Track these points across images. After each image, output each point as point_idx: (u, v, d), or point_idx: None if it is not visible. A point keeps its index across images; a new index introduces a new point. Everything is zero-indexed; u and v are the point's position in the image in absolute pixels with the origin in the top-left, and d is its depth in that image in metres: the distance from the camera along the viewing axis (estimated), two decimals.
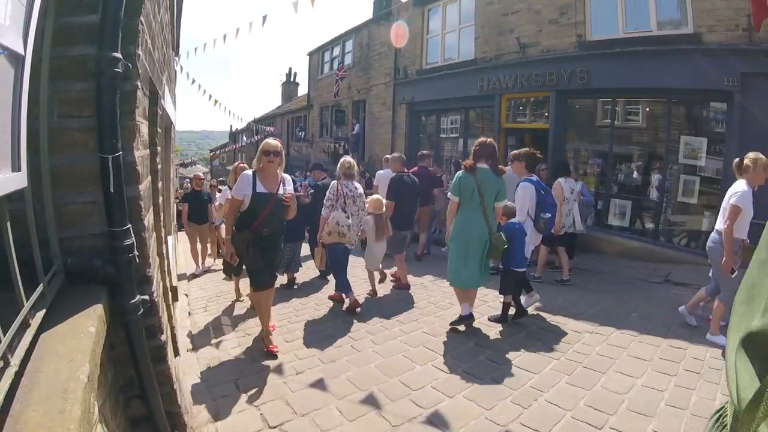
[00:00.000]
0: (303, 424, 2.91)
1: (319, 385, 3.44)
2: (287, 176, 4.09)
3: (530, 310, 5.11)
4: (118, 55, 1.63)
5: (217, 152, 41.98)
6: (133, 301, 1.75)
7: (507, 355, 3.97)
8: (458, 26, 12.85)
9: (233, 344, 4.33)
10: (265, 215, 3.81)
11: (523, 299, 5.07)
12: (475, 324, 4.72)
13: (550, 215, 5.30)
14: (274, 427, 2.87)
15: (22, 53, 1.19)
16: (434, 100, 13.60)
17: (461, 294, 4.61)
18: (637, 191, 9.14)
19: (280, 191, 3.89)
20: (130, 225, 1.74)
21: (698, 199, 7.92)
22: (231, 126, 40.29)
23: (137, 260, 1.81)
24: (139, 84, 1.91)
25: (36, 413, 1.01)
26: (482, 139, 4.61)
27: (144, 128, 2.25)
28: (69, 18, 1.60)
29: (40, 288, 1.38)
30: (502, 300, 4.88)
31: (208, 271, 8.12)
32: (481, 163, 4.40)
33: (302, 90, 29.59)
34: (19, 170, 1.21)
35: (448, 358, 3.92)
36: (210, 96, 14.71)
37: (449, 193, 4.64)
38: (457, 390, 3.36)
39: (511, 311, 4.83)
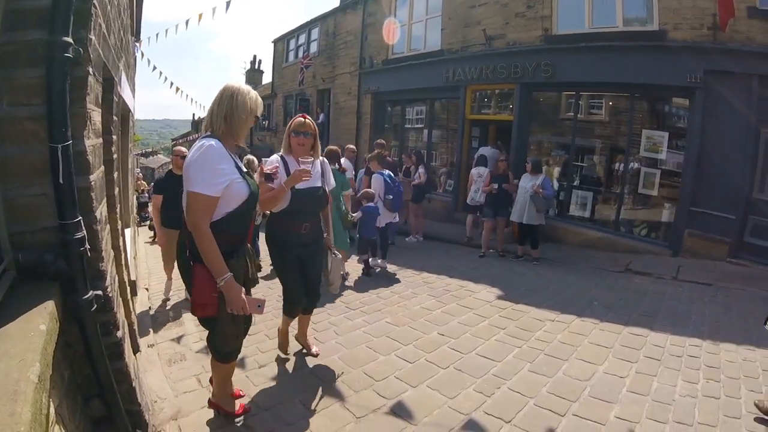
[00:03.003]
0: (267, 417, 2.88)
1: (283, 378, 3.42)
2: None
3: (492, 299, 5.23)
4: (69, 39, 1.55)
5: (180, 141, 40.99)
6: (86, 296, 1.68)
7: (469, 344, 4.03)
8: (425, 17, 12.87)
9: (195, 339, 4.24)
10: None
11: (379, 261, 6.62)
12: (439, 314, 4.80)
13: (392, 196, 6.58)
14: (238, 423, 2.83)
15: None
16: (400, 90, 13.60)
17: None
18: (598, 183, 9.38)
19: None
20: (81, 217, 1.67)
21: (658, 191, 8.19)
22: (194, 115, 39.42)
23: (89, 254, 1.73)
24: (90, 70, 1.83)
25: None
26: (329, 147, 5.88)
27: (96, 116, 2.16)
28: (20, 2, 1.52)
29: None
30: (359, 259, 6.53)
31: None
32: (332, 164, 4.86)
33: (266, 78, 29.09)
34: None
35: (410, 348, 3.94)
36: (171, 83, 14.34)
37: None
38: (420, 379, 3.38)
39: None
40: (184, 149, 5.56)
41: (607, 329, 4.39)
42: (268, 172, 3.05)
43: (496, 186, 7.85)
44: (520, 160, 9.54)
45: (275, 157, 3.32)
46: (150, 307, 5.24)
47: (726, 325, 4.61)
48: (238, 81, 2.33)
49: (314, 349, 3.79)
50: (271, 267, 4.21)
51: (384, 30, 14.08)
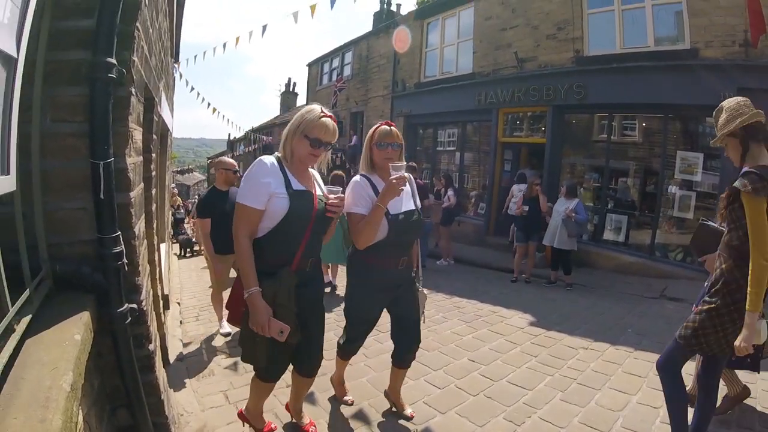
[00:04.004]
0: None
1: (310, 398, 3.39)
2: (314, 170, 2.52)
3: (524, 326, 5.12)
4: (113, 60, 1.62)
5: (215, 160, 42.00)
6: (121, 309, 1.72)
7: (500, 371, 3.94)
8: (456, 40, 12.98)
9: (224, 355, 4.28)
10: (309, 235, 2.29)
11: None
12: (469, 339, 4.71)
13: None
14: None
15: (15, 56, 1.18)
16: (431, 113, 13.67)
17: None
18: (632, 206, 9.17)
19: (318, 192, 2.41)
20: (119, 232, 1.72)
21: (694, 214, 7.95)
22: (229, 135, 40.30)
23: (126, 268, 1.78)
24: (133, 90, 1.90)
25: (16, 421, 0.99)
26: (334, 172, 5.78)
27: (137, 135, 2.24)
28: (64, 22, 1.59)
29: (27, 293, 1.35)
30: None
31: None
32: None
33: (301, 100, 29.70)
34: (8, 173, 1.20)
35: (440, 373, 3.88)
36: (209, 104, 14.71)
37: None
38: (449, 406, 3.32)
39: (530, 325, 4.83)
40: (231, 161, 4.92)
41: (641, 358, 4.24)
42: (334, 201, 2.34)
43: (526, 208, 7.76)
44: (554, 182, 9.43)
45: (357, 179, 2.69)
46: (181, 321, 5.32)
47: None
48: (318, 102, 2.28)
49: (408, 411, 3.13)
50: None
51: (394, 38, 14.25)
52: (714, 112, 2.45)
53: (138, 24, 1.89)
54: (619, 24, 8.90)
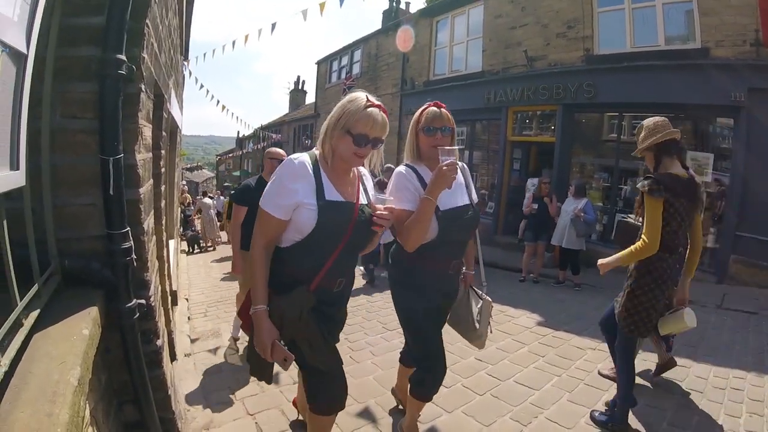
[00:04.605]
0: None
1: None
2: (363, 169, 2.08)
3: (532, 325, 5.10)
4: (123, 57, 1.63)
5: (224, 157, 42.21)
6: (129, 304, 1.73)
7: (507, 371, 3.93)
8: (466, 38, 12.93)
9: (231, 351, 4.30)
10: (340, 251, 1.89)
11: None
12: None
13: None
14: None
15: (25, 52, 1.18)
16: None
17: None
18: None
19: (363, 199, 2.00)
20: (129, 228, 1.73)
21: (703, 214, 7.85)
22: (238, 132, 40.54)
23: (135, 264, 1.79)
24: (143, 87, 1.91)
25: (24, 415, 0.99)
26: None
27: (147, 131, 2.25)
28: (74, 19, 1.60)
29: (35, 288, 1.37)
30: None
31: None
32: None
33: (310, 98, 29.75)
34: (18, 169, 1.20)
35: (447, 372, 3.85)
36: (218, 101, 14.80)
37: None
38: (456, 405, 3.31)
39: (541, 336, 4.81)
40: (280, 151, 4.35)
41: (649, 359, 4.20)
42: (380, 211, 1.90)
43: (536, 206, 7.73)
44: (563, 182, 9.38)
45: (401, 170, 2.32)
46: (189, 317, 5.34)
47: None
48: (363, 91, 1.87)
49: None
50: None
51: (398, 38, 14.23)
52: (636, 129, 3.02)
53: (148, 21, 1.90)
54: (629, 23, 8.84)
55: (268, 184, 1.86)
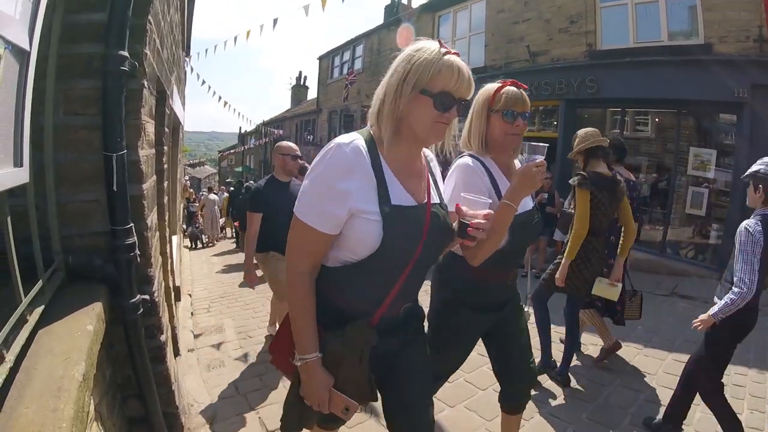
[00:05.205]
0: None
1: None
2: (430, 153, 1.61)
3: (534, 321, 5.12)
4: (125, 53, 1.63)
5: (226, 153, 42.21)
6: (133, 300, 1.74)
7: None
8: (468, 33, 12.87)
9: (234, 346, 4.32)
10: (410, 270, 1.39)
11: None
12: None
13: None
14: (272, 431, 2.85)
15: (28, 49, 1.19)
16: None
17: None
18: (644, 202, 9.08)
19: (435, 198, 1.48)
20: (132, 224, 1.74)
21: (706, 211, 7.86)
22: (240, 128, 40.49)
23: (139, 259, 1.80)
24: (145, 83, 1.91)
25: (29, 410, 1.00)
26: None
27: (150, 127, 2.25)
28: (77, 15, 1.60)
29: (39, 284, 1.37)
30: None
31: None
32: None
33: (312, 94, 29.71)
34: (21, 166, 1.21)
35: None
36: (220, 98, 14.76)
37: None
38: (458, 399, 3.33)
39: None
40: (293, 145, 3.95)
41: (651, 355, 4.21)
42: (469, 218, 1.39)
43: (545, 195, 7.68)
44: (565, 177, 9.35)
45: (468, 161, 1.87)
46: (192, 313, 5.36)
47: None
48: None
49: None
50: None
51: (399, 36, 14.21)
52: (573, 136, 3.61)
53: (150, 17, 1.90)
54: (632, 18, 8.78)
55: (306, 182, 1.31)
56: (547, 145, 1.80)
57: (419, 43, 1.32)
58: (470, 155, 1.89)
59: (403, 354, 1.57)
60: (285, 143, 3.96)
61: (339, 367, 1.37)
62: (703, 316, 2.68)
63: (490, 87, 1.91)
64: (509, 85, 1.87)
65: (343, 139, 1.30)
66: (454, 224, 1.46)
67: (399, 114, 1.31)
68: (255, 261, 3.85)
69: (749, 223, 2.50)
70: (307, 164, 7.81)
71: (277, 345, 1.52)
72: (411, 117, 1.30)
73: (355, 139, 1.30)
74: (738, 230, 2.55)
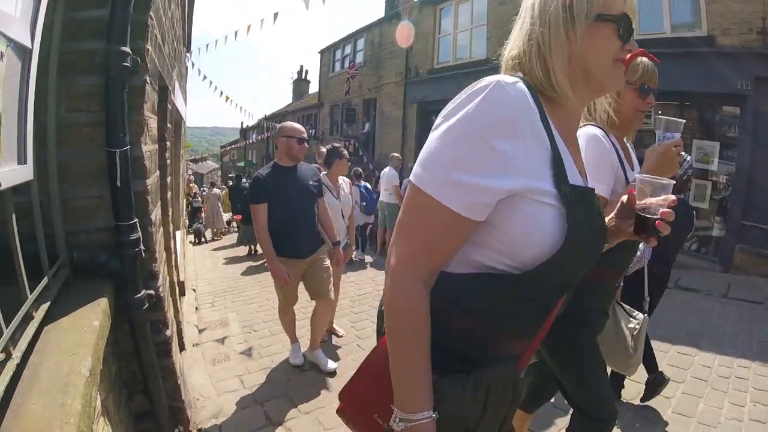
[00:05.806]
0: (306, 422, 2.91)
1: (324, 383, 3.43)
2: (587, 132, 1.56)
3: None
4: (127, 49, 1.63)
5: (228, 148, 42.23)
6: (138, 295, 1.75)
7: None
8: (470, 26, 12.82)
9: (239, 340, 4.33)
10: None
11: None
12: None
13: (365, 203, 8.02)
14: (278, 425, 2.87)
15: (30, 46, 1.19)
16: (445, 99, 13.21)
17: None
18: None
19: (592, 183, 1.08)
20: (136, 220, 1.74)
21: (709, 204, 7.84)
22: (242, 123, 40.47)
23: (143, 255, 1.80)
24: (148, 79, 1.91)
25: (36, 406, 1.00)
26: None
27: (153, 123, 2.25)
28: (78, 12, 1.60)
29: (45, 281, 1.38)
30: None
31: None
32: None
33: (313, 88, 29.63)
34: (25, 163, 1.21)
35: None
36: (221, 93, 14.76)
37: None
38: None
39: None
40: (299, 127, 3.47)
41: (654, 348, 4.21)
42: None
43: None
44: None
45: (598, 133, 1.61)
46: (196, 308, 5.38)
47: None
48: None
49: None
50: None
51: (398, 33, 14.16)
52: None
53: (151, 13, 1.89)
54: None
55: (437, 134, 0.92)
56: (684, 121, 1.63)
57: None
58: (598, 126, 1.58)
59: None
60: (289, 124, 3.49)
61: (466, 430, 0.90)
62: None
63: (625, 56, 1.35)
64: (641, 53, 1.18)
65: (502, 77, 0.86)
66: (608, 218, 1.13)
67: (569, 54, 0.90)
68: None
69: None
70: (360, 170, 8.30)
71: (352, 393, 1.03)
72: (584, 56, 0.91)
73: (519, 81, 0.86)
74: None
